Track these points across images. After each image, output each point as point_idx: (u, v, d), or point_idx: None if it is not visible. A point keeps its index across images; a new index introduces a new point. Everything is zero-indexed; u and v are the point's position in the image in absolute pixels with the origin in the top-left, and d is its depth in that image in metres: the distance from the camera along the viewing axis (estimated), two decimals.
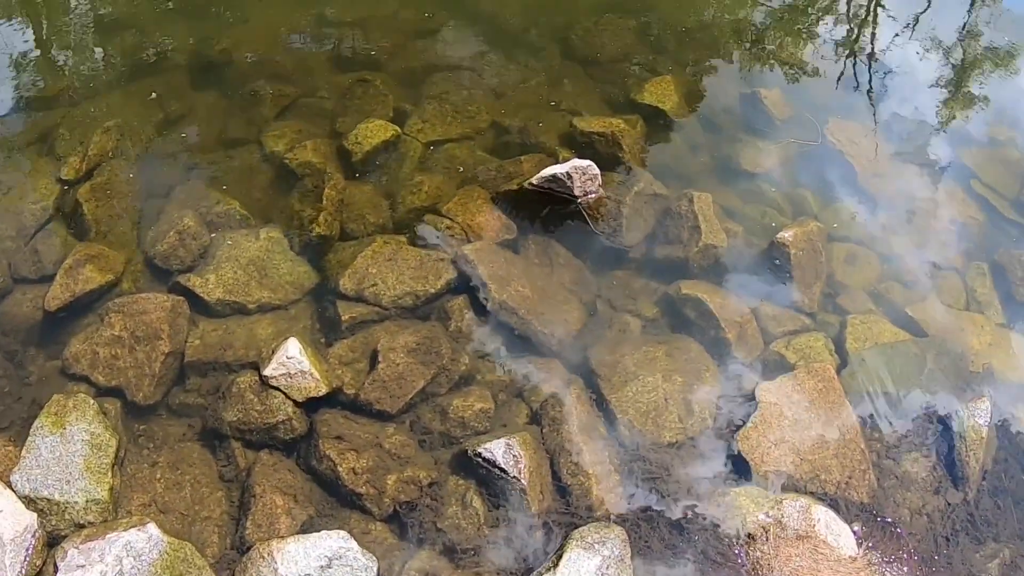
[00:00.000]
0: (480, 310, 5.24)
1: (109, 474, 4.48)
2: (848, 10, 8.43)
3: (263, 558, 4.16)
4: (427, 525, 4.51)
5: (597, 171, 5.66)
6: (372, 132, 6.12)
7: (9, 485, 4.34)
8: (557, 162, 5.88)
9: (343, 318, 5.19)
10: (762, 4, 8.20)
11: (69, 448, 4.49)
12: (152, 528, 4.16)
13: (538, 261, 5.58)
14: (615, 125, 6.12)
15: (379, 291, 5.27)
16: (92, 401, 4.72)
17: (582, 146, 6.12)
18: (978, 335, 5.70)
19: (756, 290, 5.66)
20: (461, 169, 6.04)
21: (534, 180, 5.65)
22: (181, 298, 5.24)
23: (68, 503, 4.32)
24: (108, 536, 4.10)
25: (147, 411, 4.90)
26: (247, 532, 4.39)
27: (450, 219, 5.64)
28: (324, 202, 5.65)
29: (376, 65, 6.92)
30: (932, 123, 7.19)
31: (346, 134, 6.15)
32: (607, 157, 6.06)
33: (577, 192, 5.63)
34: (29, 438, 4.53)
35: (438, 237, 5.56)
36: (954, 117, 7.29)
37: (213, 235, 5.65)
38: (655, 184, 5.93)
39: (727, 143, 6.57)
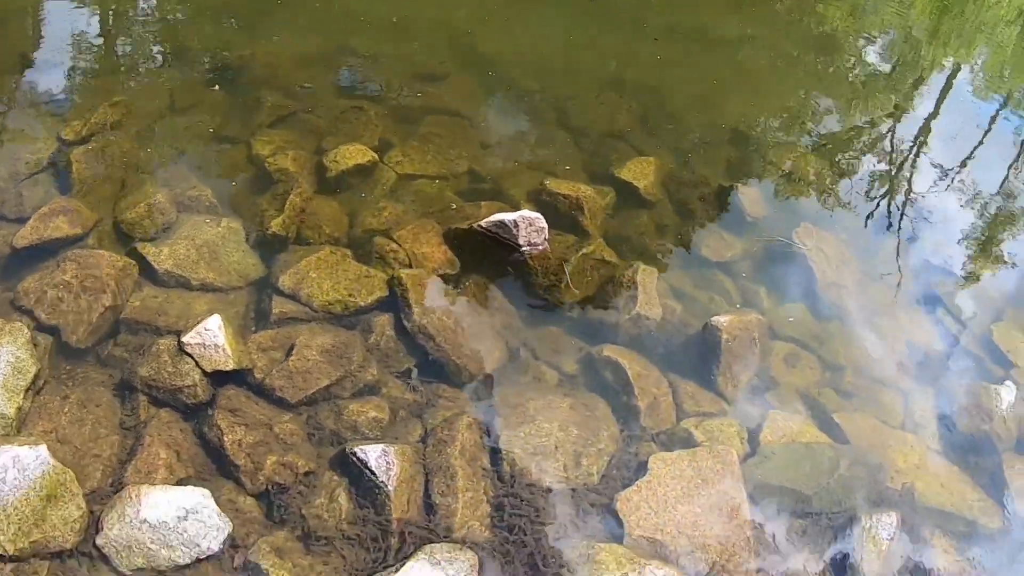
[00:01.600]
0: (402, 331, 5.73)
1: (21, 396, 5.01)
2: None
3: (130, 498, 4.66)
4: (292, 509, 4.91)
5: (544, 225, 6.18)
6: (350, 154, 6.79)
7: None
8: None
9: (274, 311, 5.73)
10: (776, 116, 8.71)
11: None
12: (43, 450, 4.66)
13: (474, 299, 6.07)
14: (582, 191, 6.66)
15: (312, 294, 5.81)
16: (27, 331, 5.29)
17: (546, 204, 6.67)
18: (906, 454, 5.90)
19: (681, 368, 6.04)
20: (425, 203, 6.63)
21: (483, 223, 6.20)
22: (133, 262, 5.88)
23: None
24: (2, 447, 4.63)
25: (76, 354, 5.44)
26: (127, 474, 4.86)
27: (398, 244, 6.18)
28: (286, 206, 6.25)
29: (377, 98, 7.63)
30: (909, 242, 7.61)
31: (327, 152, 6.79)
32: (566, 219, 6.60)
33: (521, 241, 6.14)
34: None
35: (382, 258, 6.10)
36: (923, 239, 7.68)
37: (180, 215, 6.28)
38: (606, 251, 6.42)
39: (695, 230, 7.06)
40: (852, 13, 10.57)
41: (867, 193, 8.01)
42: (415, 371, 5.66)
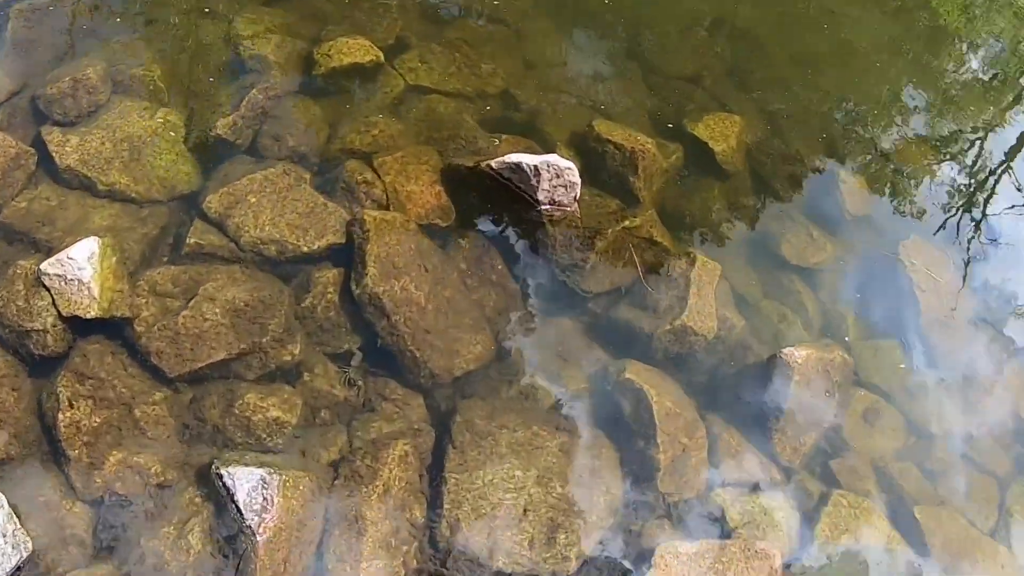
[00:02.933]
0: (349, 298, 3.69)
1: None
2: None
3: None
4: (129, 534, 3.14)
5: (576, 180, 4.01)
6: (348, 50, 4.58)
7: None
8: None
9: (188, 241, 3.78)
10: (889, 103, 6.16)
11: None
12: None
13: (465, 267, 3.99)
14: (641, 142, 4.43)
15: (243, 225, 3.80)
16: None
17: (590, 153, 4.46)
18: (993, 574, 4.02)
19: (728, 411, 3.95)
20: (432, 126, 4.46)
21: (494, 163, 4.06)
22: (31, 150, 4.00)
23: None
24: None
25: None
26: None
27: (376, 174, 4.08)
28: (243, 103, 4.20)
29: None
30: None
31: (321, 43, 4.65)
32: (613, 177, 4.40)
33: (541, 197, 4.00)
34: None
35: (349, 190, 4.01)
36: None
37: (114, 96, 4.29)
38: (656, 228, 4.24)
39: (776, 219, 4.78)
40: (964, 10, 7.74)
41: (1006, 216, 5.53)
42: (356, 357, 3.64)
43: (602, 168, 4.47)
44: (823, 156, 5.24)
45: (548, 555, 3.25)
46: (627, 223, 4.18)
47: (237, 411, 3.32)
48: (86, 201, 3.94)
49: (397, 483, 3.22)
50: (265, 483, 2.99)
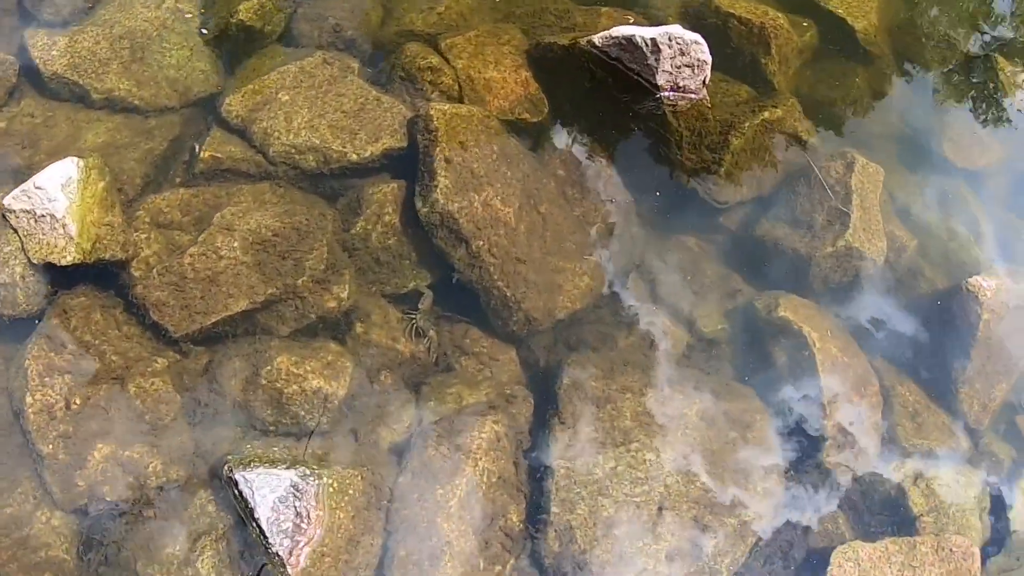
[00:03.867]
0: (413, 221, 2.49)
1: None
2: None
3: None
4: (123, 553, 2.16)
5: (707, 57, 2.69)
6: None
7: None
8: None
9: (202, 155, 2.62)
10: None
11: None
12: None
13: (564, 174, 2.76)
14: (772, 17, 3.09)
15: (272, 130, 2.63)
16: None
17: (709, 30, 3.10)
18: None
19: (902, 358, 2.72)
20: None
21: (597, 39, 2.75)
22: (11, 59, 2.91)
23: None
24: None
25: None
26: None
27: (444, 58, 2.84)
28: None
29: None
30: None
31: None
32: (739, 58, 3.06)
33: (661, 80, 2.69)
34: None
35: (410, 79, 2.78)
36: None
37: None
38: (800, 122, 2.92)
39: (930, 111, 3.41)
40: None
41: None
42: (425, 299, 2.46)
43: (724, 47, 3.13)
44: (975, 39, 3.80)
45: (692, 571, 2.10)
46: (766, 115, 2.88)
47: (265, 381, 2.21)
48: (78, 115, 2.86)
49: (486, 478, 2.07)
50: (298, 492, 1.87)
